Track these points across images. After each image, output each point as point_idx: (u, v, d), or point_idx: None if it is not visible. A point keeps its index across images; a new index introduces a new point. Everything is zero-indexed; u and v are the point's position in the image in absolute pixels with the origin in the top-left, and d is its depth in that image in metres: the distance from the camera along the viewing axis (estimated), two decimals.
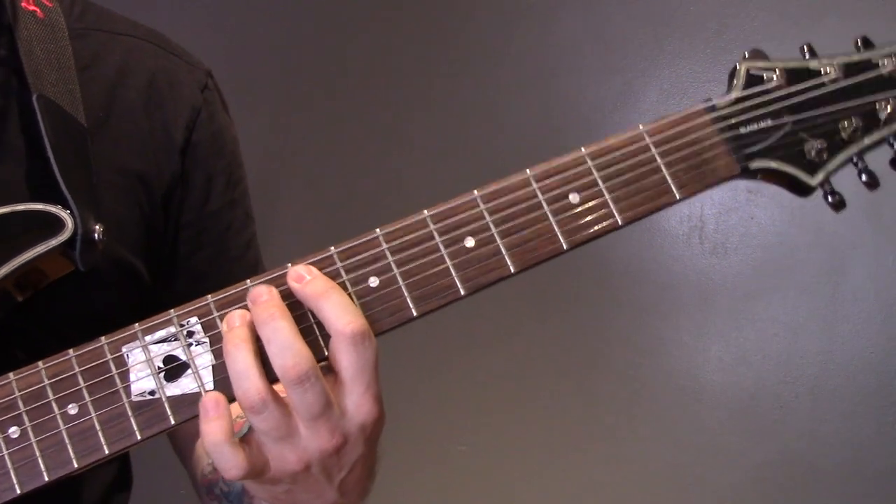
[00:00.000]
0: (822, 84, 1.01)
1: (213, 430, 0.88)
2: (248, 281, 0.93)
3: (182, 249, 1.19)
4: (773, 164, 1.00)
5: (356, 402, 0.90)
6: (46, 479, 0.90)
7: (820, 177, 1.01)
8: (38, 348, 0.94)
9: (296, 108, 2.99)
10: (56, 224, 1.00)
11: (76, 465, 0.90)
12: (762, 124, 0.99)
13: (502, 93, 2.92)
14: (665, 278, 2.83)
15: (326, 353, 0.91)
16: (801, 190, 1.02)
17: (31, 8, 1.12)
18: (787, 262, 2.74)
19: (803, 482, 2.71)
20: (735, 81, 1.01)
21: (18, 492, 0.90)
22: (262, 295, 0.90)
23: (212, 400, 0.89)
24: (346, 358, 0.89)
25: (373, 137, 2.97)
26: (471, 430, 2.80)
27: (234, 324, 0.89)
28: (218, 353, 0.91)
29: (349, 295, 0.92)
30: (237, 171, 1.25)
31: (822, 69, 1.01)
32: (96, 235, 1.02)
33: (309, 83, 3.02)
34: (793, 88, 1.00)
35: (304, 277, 0.91)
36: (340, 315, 0.89)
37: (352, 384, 0.89)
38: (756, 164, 0.99)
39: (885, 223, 2.68)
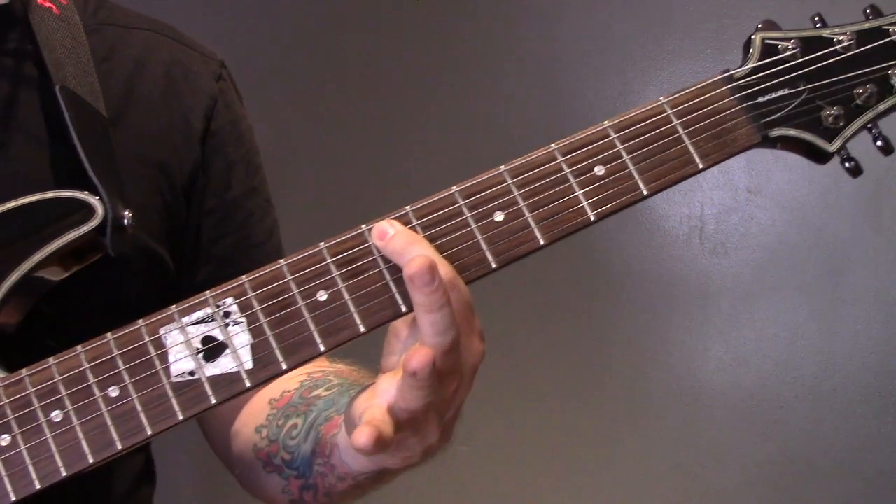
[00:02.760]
0: (836, 52, 1.02)
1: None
2: (282, 261, 0.94)
3: (205, 237, 1.21)
4: (792, 132, 1.01)
5: (464, 345, 0.91)
6: (91, 460, 0.91)
7: (837, 143, 1.01)
8: (68, 337, 0.95)
9: (296, 107, 2.99)
10: (85, 211, 1.02)
11: (120, 447, 0.91)
12: (779, 93, 1.01)
13: (502, 92, 2.93)
14: (665, 278, 2.82)
15: (404, 309, 0.93)
16: (819, 156, 1.02)
17: (47, 5, 1.14)
18: (787, 262, 2.75)
19: (803, 482, 2.71)
20: (751, 52, 1.03)
21: (64, 474, 0.91)
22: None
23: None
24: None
25: (371, 135, 2.97)
26: (471, 430, 2.79)
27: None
28: (255, 332, 0.92)
29: None
30: (255, 159, 1.27)
31: (834, 37, 1.03)
32: (126, 221, 1.03)
33: (308, 81, 3.02)
34: (808, 57, 1.02)
35: (388, 232, 0.93)
36: None
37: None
38: (775, 132, 1.01)
39: (885, 223, 2.69)
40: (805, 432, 2.72)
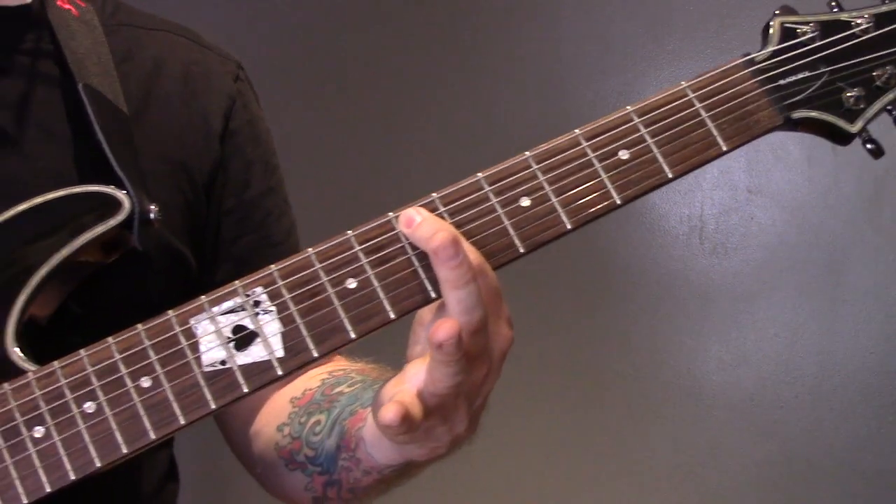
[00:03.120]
0: (855, 35, 1.03)
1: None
2: (310, 249, 0.95)
3: (225, 236, 1.21)
4: (814, 114, 1.02)
5: (492, 330, 0.92)
6: (125, 451, 0.92)
7: (859, 124, 1.02)
8: (93, 334, 0.95)
9: (297, 106, 2.99)
10: (111, 206, 1.02)
11: (153, 437, 0.92)
12: (800, 75, 1.02)
13: (502, 92, 2.93)
14: (665, 278, 2.82)
15: (434, 295, 0.93)
16: (842, 138, 1.03)
17: (66, 6, 1.14)
18: (787, 262, 2.75)
19: (803, 481, 2.71)
20: (770, 36, 1.03)
21: (98, 465, 0.91)
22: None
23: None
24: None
25: (371, 135, 2.97)
26: None
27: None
28: (286, 321, 0.93)
29: None
30: (273, 160, 1.27)
31: (852, 20, 1.04)
32: (152, 215, 1.04)
33: (308, 81, 3.02)
34: (827, 40, 1.03)
35: (415, 219, 0.93)
36: None
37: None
38: (797, 113, 1.02)
39: (885, 223, 2.69)
40: (805, 432, 2.72)
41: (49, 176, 1.07)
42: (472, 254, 0.92)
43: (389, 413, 0.87)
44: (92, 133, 1.07)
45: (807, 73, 1.02)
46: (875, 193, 2.68)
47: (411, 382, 0.91)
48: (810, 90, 1.01)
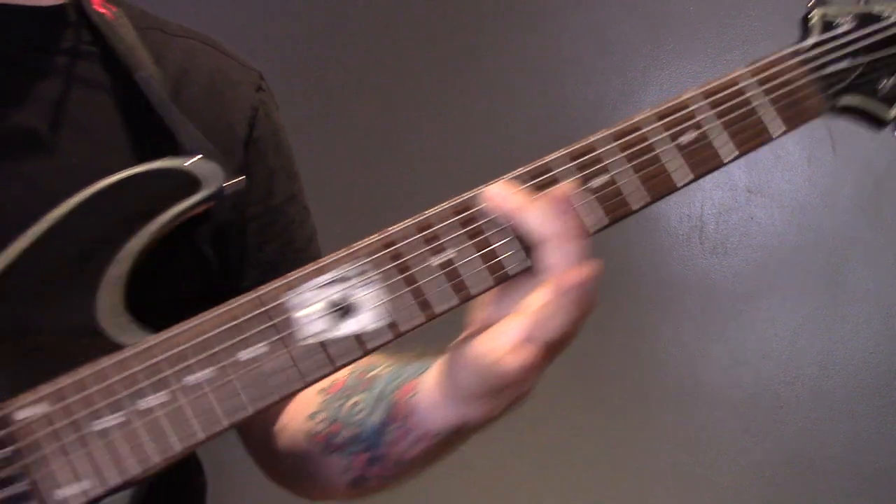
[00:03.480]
0: (888, 26, 1.09)
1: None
2: (408, 221, 0.96)
3: (250, 243, 1.22)
4: (856, 101, 1.08)
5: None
6: (225, 424, 0.93)
7: (894, 112, 1.09)
8: (163, 312, 0.96)
9: (297, 107, 2.99)
10: (189, 181, 1.03)
11: (250, 411, 0.93)
12: (842, 65, 1.08)
13: (502, 92, 2.93)
14: (665, 278, 2.83)
15: (512, 272, 0.96)
16: (878, 123, 1.09)
17: (101, 10, 1.16)
18: (787, 262, 2.75)
19: (803, 482, 2.71)
20: (811, 26, 1.10)
21: (203, 436, 0.93)
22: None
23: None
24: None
25: (371, 135, 2.97)
26: None
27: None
28: (389, 290, 0.94)
29: None
30: (293, 168, 1.29)
31: (882, 13, 1.10)
32: (240, 186, 1.06)
33: (308, 82, 3.02)
34: (863, 30, 1.09)
35: (502, 195, 0.96)
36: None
37: None
38: (842, 101, 1.08)
39: (885, 223, 2.69)
40: (805, 432, 2.72)
41: (117, 155, 1.09)
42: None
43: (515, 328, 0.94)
44: (155, 117, 1.09)
45: (848, 63, 1.07)
46: (875, 193, 2.68)
47: (509, 333, 0.94)
48: (851, 79, 1.07)
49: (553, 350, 0.95)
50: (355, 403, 1.13)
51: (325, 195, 2.93)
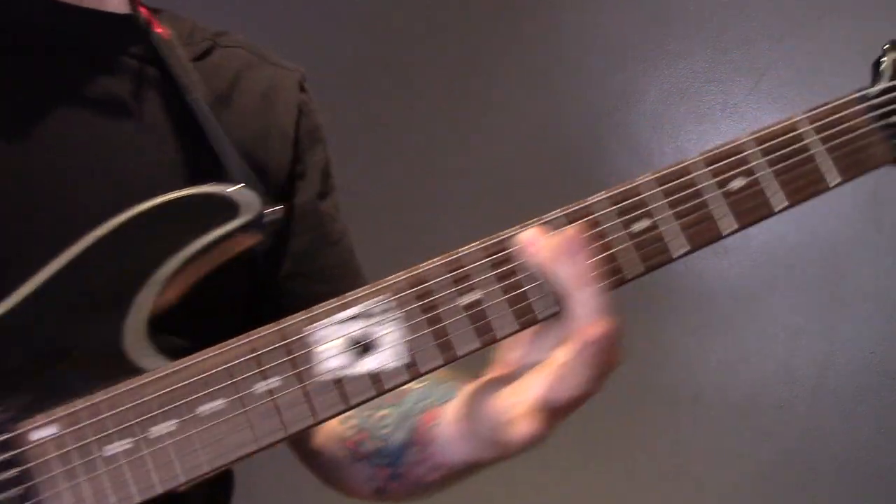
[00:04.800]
0: None
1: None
2: (438, 259, 0.95)
3: (286, 235, 1.24)
4: None
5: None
6: (231, 458, 0.92)
7: None
8: (196, 335, 0.96)
9: None
10: (229, 207, 1.01)
11: (254, 448, 0.92)
12: None
13: (502, 92, 2.92)
14: (665, 278, 2.81)
15: (540, 317, 0.95)
16: None
17: (160, 30, 1.18)
18: (787, 262, 2.75)
19: (803, 482, 2.71)
20: (882, 70, 1.04)
21: (207, 469, 0.92)
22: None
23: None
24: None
25: (371, 135, 2.97)
26: None
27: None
28: (409, 330, 0.93)
29: None
30: (329, 167, 1.31)
31: None
32: (277, 215, 1.04)
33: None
34: None
35: (536, 242, 0.94)
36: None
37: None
38: None
39: (885, 223, 2.69)
40: (805, 432, 2.72)
41: (164, 173, 1.11)
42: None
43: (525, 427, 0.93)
44: (202, 139, 1.11)
45: None
46: (875, 193, 2.68)
47: (531, 391, 0.93)
48: None
49: (571, 407, 0.95)
50: (384, 416, 1.13)
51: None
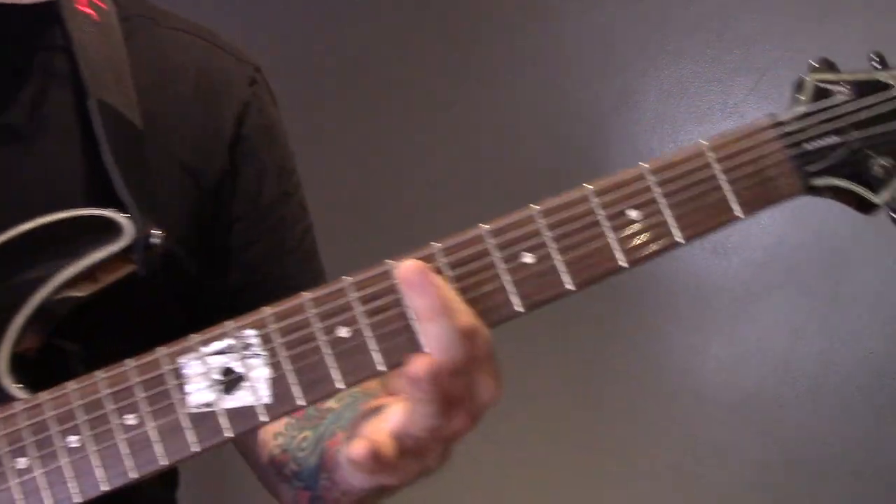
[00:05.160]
0: (892, 98, 0.96)
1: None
2: (307, 294, 0.93)
3: (235, 242, 1.20)
4: (837, 182, 0.96)
5: (478, 380, 0.91)
6: (105, 488, 0.92)
7: (885, 195, 0.96)
8: (90, 361, 0.96)
9: (297, 109, 2.99)
10: (115, 229, 1.01)
11: (134, 476, 0.92)
12: (828, 140, 0.95)
13: (502, 93, 2.92)
14: (664, 278, 2.82)
15: (427, 350, 0.91)
16: (865, 207, 0.98)
17: (87, 10, 1.13)
18: (787, 262, 2.75)
19: (803, 481, 2.71)
20: (802, 94, 0.97)
21: (80, 500, 0.92)
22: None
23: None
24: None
25: (371, 135, 2.97)
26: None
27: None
28: (275, 367, 0.92)
29: None
30: (289, 164, 1.26)
31: (891, 81, 0.96)
32: (156, 240, 1.03)
33: (306, 82, 3.02)
34: (861, 103, 0.96)
35: (412, 276, 0.91)
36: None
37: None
38: (820, 181, 0.95)
39: (885, 223, 2.67)
40: (805, 432, 2.72)
41: (53, 185, 1.07)
42: (466, 316, 0.90)
43: (358, 450, 0.88)
44: (101, 148, 1.07)
45: (835, 139, 0.95)
46: None
47: (389, 421, 0.90)
48: (836, 157, 0.95)
49: (435, 438, 0.91)
50: (304, 438, 1.11)
51: (318, 196, 2.94)
